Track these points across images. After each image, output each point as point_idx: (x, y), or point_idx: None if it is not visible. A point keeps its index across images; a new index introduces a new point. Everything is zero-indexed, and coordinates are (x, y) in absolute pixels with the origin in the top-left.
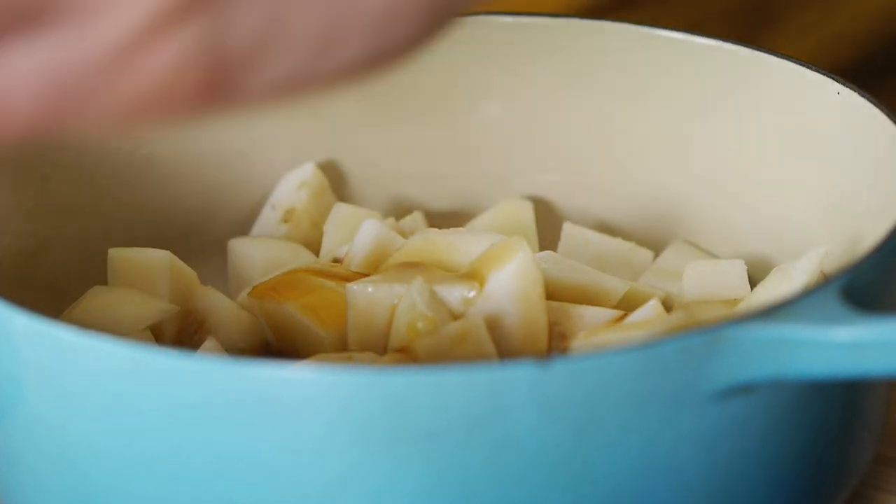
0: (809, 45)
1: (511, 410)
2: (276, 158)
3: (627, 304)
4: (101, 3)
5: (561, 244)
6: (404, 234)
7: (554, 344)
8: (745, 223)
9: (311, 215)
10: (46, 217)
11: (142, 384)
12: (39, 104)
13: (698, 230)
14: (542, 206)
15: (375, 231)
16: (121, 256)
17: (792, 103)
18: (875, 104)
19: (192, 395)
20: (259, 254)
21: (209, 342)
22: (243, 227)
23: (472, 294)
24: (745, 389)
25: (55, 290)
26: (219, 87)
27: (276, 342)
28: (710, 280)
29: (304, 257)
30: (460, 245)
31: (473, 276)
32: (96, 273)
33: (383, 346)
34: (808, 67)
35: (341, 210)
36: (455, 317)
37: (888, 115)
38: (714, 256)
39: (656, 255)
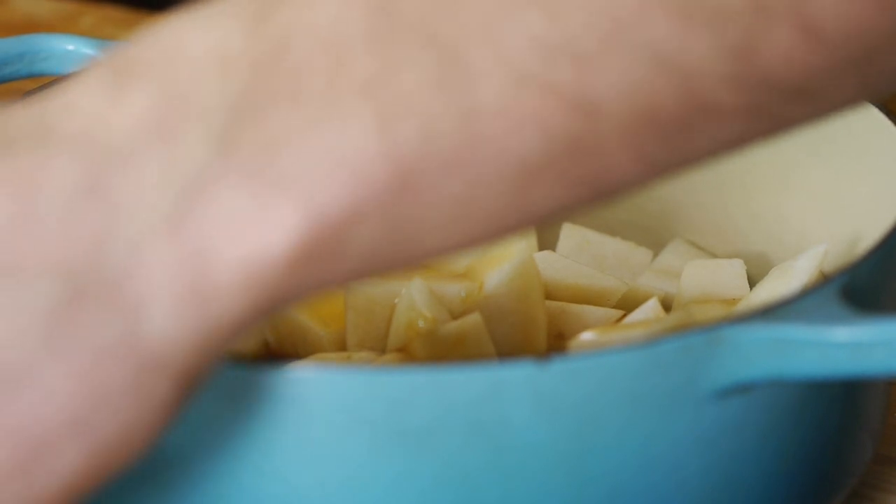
0: None
1: (510, 409)
2: None
3: (626, 304)
4: None
5: (560, 244)
6: None
7: (552, 343)
8: (744, 223)
9: None
10: None
11: None
12: None
13: (697, 229)
14: None
15: None
16: None
17: None
18: (875, 104)
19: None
20: None
21: None
22: None
23: (471, 293)
24: (743, 389)
25: None
26: None
27: (274, 342)
28: (709, 279)
29: None
30: None
31: (472, 275)
32: None
33: (382, 346)
34: None
35: None
36: (454, 316)
37: (888, 115)
38: (713, 256)
39: (655, 254)
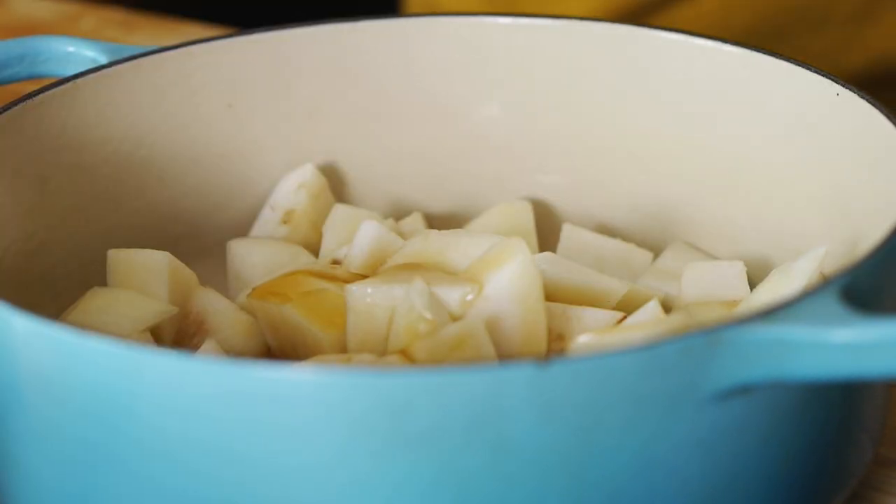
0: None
1: (510, 411)
2: (275, 159)
3: (627, 306)
4: None
5: (560, 245)
6: (404, 236)
7: (553, 345)
8: (744, 224)
9: (310, 216)
10: (46, 217)
11: (141, 386)
12: None
13: (697, 231)
14: (542, 208)
15: (375, 232)
16: (120, 257)
17: (792, 104)
18: (874, 105)
19: (191, 396)
20: (258, 255)
21: (208, 343)
22: (243, 228)
23: (471, 295)
24: (744, 390)
25: (54, 290)
26: None
27: (275, 344)
28: (710, 281)
29: (304, 258)
30: (459, 246)
31: (473, 277)
32: (95, 274)
33: (383, 348)
34: (808, 69)
35: (340, 211)
36: (454, 318)
37: (887, 115)
38: (713, 257)
39: (655, 256)
